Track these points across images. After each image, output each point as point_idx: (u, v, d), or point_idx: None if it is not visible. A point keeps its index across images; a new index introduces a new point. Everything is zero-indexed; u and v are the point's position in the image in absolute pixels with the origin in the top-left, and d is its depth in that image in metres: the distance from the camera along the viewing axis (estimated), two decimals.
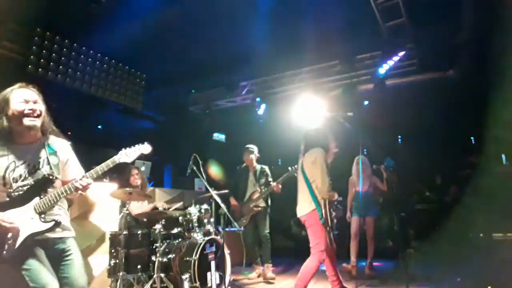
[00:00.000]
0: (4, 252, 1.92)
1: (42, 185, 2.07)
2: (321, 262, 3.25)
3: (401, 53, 6.02)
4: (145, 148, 2.33)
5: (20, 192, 2.04)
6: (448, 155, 6.41)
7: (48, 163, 2.14)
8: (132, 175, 4.45)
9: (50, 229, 2.03)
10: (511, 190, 3.94)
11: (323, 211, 3.26)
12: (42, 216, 2.03)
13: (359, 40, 6.03)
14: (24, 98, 2.08)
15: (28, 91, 2.13)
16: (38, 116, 2.10)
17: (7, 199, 2.02)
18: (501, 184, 4.18)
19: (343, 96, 6.82)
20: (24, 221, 1.99)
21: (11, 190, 2.03)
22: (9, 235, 1.94)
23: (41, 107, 2.14)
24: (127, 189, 3.81)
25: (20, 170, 2.07)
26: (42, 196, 2.06)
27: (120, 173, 4.41)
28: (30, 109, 2.07)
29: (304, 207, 3.37)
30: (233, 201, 5.16)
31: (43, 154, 2.16)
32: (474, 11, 4.91)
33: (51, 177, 2.08)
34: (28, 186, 2.05)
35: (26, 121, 2.06)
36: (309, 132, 3.66)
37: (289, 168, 4.81)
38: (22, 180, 2.07)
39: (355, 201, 5.12)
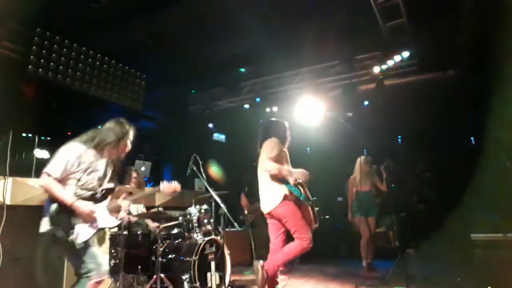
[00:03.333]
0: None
1: (110, 192, 2.69)
2: (304, 249, 3.16)
3: (405, 53, 6.05)
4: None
5: (98, 193, 2.57)
6: (448, 155, 6.41)
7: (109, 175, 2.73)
8: (130, 177, 4.45)
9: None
10: (511, 190, 3.94)
11: (302, 189, 3.24)
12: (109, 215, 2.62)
13: (359, 40, 6.04)
14: (131, 141, 2.77)
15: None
16: None
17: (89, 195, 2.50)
18: (501, 184, 4.17)
19: (343, 96, 6.82)
20: (101, 216, 2.52)
21: (92, 189, 2.54)
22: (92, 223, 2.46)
23: None
24: (127, 186, 3.81)
25: (96, 175, 2.57)
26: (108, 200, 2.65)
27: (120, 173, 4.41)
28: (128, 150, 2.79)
29: (274, 198, 3.25)
30: (243, 200, 5.11)
31: (109, 168, 2.70)
32: (474, 11, 4.91)
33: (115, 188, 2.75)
34: (104, 190, 2.61)
35: (122, 155, 2.76)
36: (266, 123, 3.64)
37: None
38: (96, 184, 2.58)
39: (358, 201, 5.09)
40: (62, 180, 2.39)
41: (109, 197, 2.68)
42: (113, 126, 2.71)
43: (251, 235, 5.32)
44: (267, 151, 3.29)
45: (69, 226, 2.34)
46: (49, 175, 2.34)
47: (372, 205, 5.10)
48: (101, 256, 2.47)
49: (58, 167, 2.36)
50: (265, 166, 3.26)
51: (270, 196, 3.30)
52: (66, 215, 2.35)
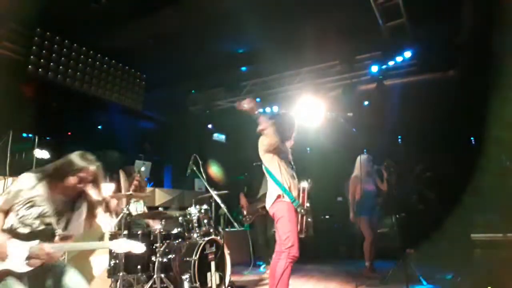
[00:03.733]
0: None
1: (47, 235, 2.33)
2: (291, 259, 2.96)
3: (406, 53, 6.09)
4: (138, 248, 2.46)
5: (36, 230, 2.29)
6: (448, 155, 6.41)
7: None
8: (132, 179, 4.48)
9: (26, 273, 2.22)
10: (511, 190, 3.94)
11: (301, 194, 3.17)
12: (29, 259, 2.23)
13: (359, 40, 6.04)
14: (82, 180, 2.36)
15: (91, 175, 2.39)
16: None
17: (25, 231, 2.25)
18: (501, 184, 4.17)
19: (343, 96, 6.83)
20: (16, 256, 2.19)
21: (29, 225, 2.28)
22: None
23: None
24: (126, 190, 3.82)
25: (36, 212, 2.30)
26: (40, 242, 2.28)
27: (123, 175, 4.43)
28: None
29: (270, 197, 3.22)
30: (242, 200, 5.15)
31: (61, 207, 2.38)
32: (474, 11, 4.91)
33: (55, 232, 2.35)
34: (40, 229, 2.29)
35: (71, 191, 2.38)
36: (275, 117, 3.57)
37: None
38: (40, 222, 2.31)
39: (362, 200, 5.05)
40: (8, 211, 2.29)
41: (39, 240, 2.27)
42: (72, 159, 2.37)
43: (250, 235, 5.34)
44: (261, 148, 3.32)
45: None
46: None
47: (375, 204, 5.09)
48: None
49: (1, 199, 2.29)
50: (265, 159, 3.24)
51: (268, 196, 3.31)
52: None
